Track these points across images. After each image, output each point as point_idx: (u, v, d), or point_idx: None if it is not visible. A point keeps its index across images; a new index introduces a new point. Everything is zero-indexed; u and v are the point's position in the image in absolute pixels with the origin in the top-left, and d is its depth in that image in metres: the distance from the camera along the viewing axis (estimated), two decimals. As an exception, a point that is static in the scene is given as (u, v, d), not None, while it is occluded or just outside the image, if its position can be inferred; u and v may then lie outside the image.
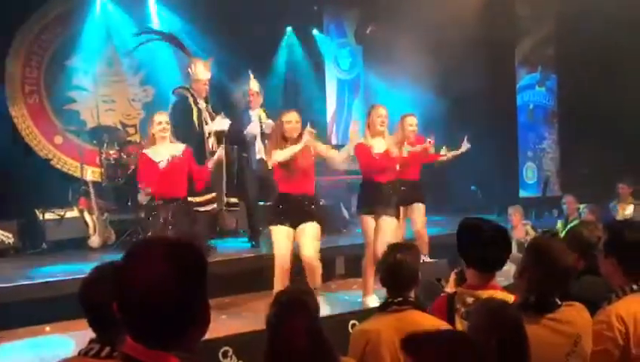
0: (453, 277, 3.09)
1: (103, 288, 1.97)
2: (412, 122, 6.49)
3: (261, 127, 6.95)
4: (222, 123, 6.72)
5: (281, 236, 5.23)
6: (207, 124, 6.67)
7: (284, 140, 5.26)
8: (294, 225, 5.24)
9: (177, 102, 6.65)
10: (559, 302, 2.53)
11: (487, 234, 2.72)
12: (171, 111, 6.35)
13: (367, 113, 5.98)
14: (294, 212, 5.23)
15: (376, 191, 5.59)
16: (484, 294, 2.62)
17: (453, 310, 2.74)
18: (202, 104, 6.71)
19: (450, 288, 3.06)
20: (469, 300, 2.67)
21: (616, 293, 2.61)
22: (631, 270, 2.62)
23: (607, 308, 2.57)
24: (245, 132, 6.98)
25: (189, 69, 6.76)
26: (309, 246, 5.18)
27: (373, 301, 5.47)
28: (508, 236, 2.81)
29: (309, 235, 5.20)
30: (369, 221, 5.62)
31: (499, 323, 2.05)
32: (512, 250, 7.47)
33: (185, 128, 6.37)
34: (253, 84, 7.08)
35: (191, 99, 6.61)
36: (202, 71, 6.70)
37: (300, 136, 5.23)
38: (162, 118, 5.59)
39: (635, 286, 2.60)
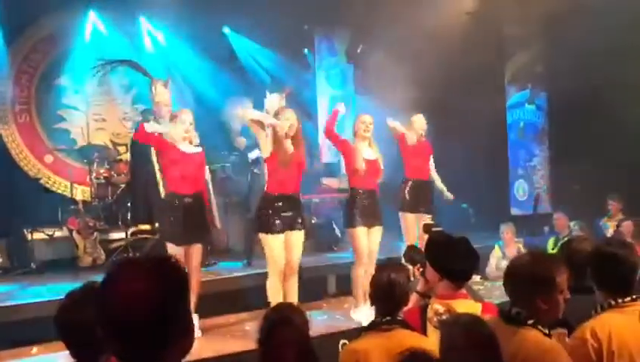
0: (420, 278, 3.24)
1: (80, 313, 1.94)
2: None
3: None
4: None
5: None
6: None
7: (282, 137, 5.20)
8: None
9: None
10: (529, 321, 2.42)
11: (459, 248, 2.92)
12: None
13: (353, 123, 6.19)
14: None
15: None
16: (456, 303, 2.81)
17: (426, 320, 2.89)
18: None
19: (420, 287, 3.21)
20: (441, 309, 2.85)
21: (596, 309, 2.66)
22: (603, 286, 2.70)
23: (585, 324, 2.60)
24: (257, 155, 7.02)
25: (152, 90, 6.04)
26: None
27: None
28: (474, 249, 2.98)
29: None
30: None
31: (475, 341, 2.10)
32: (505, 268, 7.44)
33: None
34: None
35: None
36: (162, 92, 6.00)
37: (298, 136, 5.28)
38: (189, 118, 5.37)
39: (612, 302, 2.62)
